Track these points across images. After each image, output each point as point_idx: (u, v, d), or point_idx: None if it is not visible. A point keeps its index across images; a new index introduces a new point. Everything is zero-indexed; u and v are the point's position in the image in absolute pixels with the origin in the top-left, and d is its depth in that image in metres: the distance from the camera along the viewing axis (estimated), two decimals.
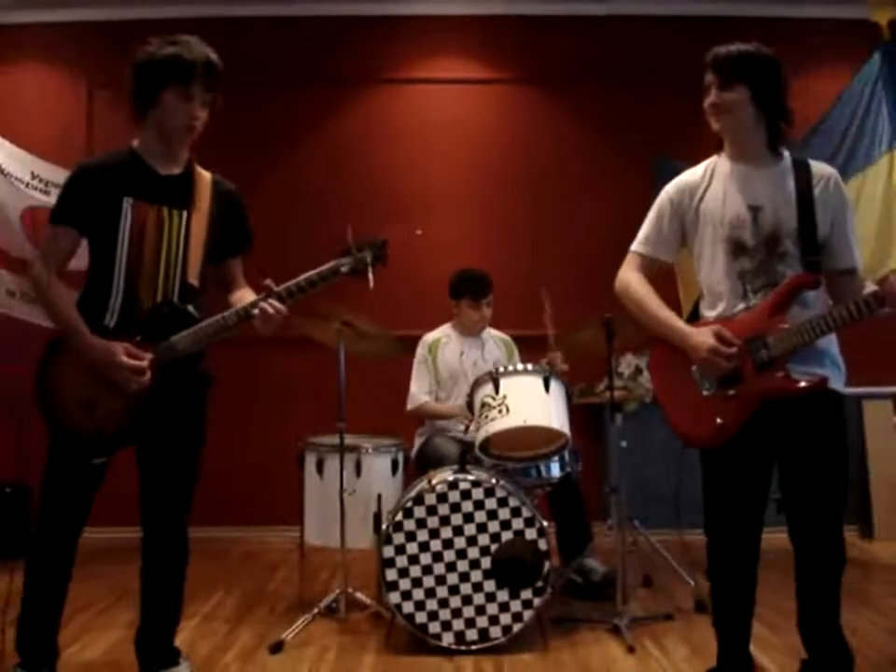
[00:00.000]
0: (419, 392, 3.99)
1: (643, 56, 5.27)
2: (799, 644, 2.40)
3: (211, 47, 2.49)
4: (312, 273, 2.42)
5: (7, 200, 4.41)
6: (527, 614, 3.06)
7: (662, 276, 2.59)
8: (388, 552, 3.08)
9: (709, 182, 2.44)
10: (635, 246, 2.54)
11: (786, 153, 2.44)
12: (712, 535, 2.46)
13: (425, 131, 5.35)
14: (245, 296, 2.57)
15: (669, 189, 2.50)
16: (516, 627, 3.06)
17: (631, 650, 3.01)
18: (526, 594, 3.06)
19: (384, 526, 3.16)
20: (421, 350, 4.07)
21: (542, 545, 3.08)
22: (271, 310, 2.37)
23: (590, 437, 4.96)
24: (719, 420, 2.33)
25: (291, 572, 4.14)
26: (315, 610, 3.35)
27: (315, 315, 3.53)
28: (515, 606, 3.06)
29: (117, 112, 5.00)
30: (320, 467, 3.58)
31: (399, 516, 3.09)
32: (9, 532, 4.29)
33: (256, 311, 2.39)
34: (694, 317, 2.52)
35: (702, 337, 2.33)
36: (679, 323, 2.41)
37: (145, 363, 2.37)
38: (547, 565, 3.07)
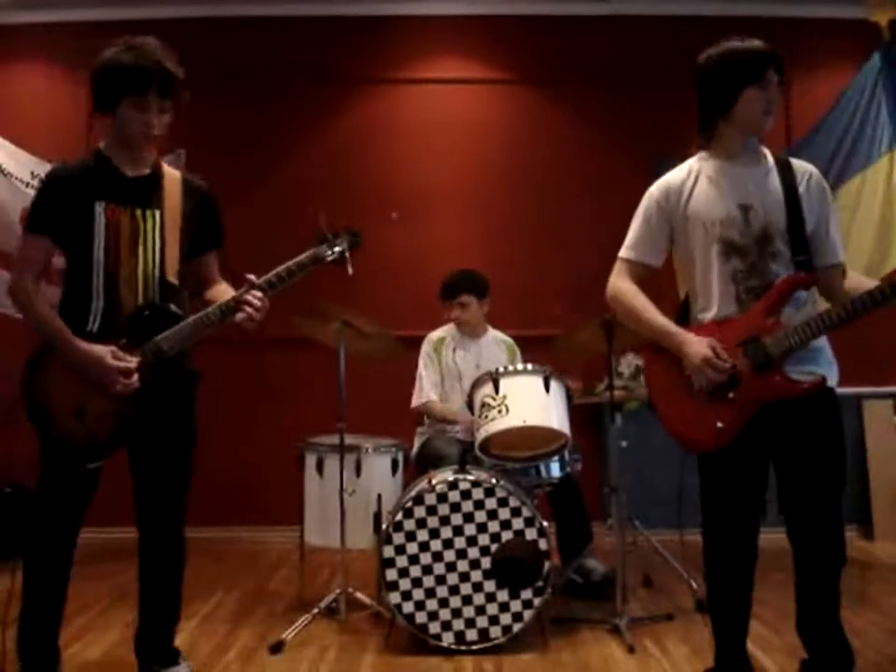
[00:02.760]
0: (428, 388, 3.98)
1: (644, 56, 5.27)
2: (799, 644, 2.40)
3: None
4: (291, 262, 2.44)
5: (7, 200, 4.42)
6: (527, 614, 3.06)
7: (659, 280, 2.58)
8: (388, 552, 3.08)
9: (695, 181, 2.41)
10: (623, 253, 2.51)
11: (767, 151, 2.44)
12: (710, 538, 2.44)
13: (425, 131, 5.35)
14: (224, 290, 2.58)
15: (653, 191, 2.47)
16: (516, 627, 3.06)
17: (631, 650, 3.01)
18: (526, 594, 3.06)
19: (384, 526, 3.16)
20: (426, 347, 4.07)
21: (542, 545, 3.08)
22: (256, 302, 2.39)
23: (590, 437, 4.97)
24: (719, 424, 2.32)
25: (291, 572, 4.14)
26: (315, 610, 3.35)
27: (315, 315, 3.54)
28: (515, 606, 3.06)
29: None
30: (320, 467, 3.58)
31: (399, 516, 3.09)
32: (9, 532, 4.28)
33: (245, 307, 2.39)
34: (683, 320, 2.49)
35: (697, 347, 2.30)
36: (676, 329, 2.38)
37: (133, 365, 2.36)
38: (547, 565, 3.07)
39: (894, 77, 4.51)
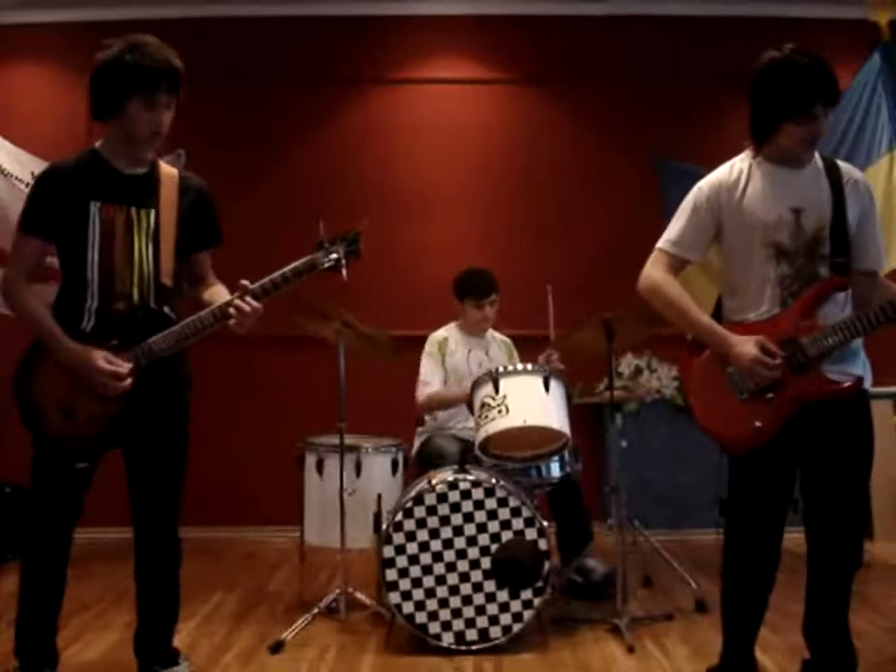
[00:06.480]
0: (431, 381, 3.92)
1: (643, 56, 5.27)
2: (800, 644, 2.40)
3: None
4: (286, 269, 2.41)
5: (7, 200, 4.41)
6: (527, 614, 3.06)
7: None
8: (388, 552, 3.08)
9: (747, 181, 2.36)
10: (663, 245, 2.44)
11: (815, 153, 2.40)
12: (734, 537, 2.42)
13: (425, 131, 5.35)
14: (218, 291, 2.57)
15: (704, 187, 2.41)
16: (516, 627, 3.06)
17: (631, 650, 3.01)
18: (526, 594, 3.06)
19: (384, 526, 3.16)
20: (429, 347, 4.02)
21: (542, 545, 3.08)
22: (246, 308, 2.37)
23: (590, 437, 4.97)
24: (757, 423, 2.30)
25: (291, 572, 4.14)
26: (315, 610, 3.35)
27: (315, 314, 3.54)
28: (515, 606, 3.06)
29: None
30: (320, 467, 3.58)
31: (399, 516, 3.09)
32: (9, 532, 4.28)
33: (231, 310, 2.38)
34: (716, 315, 2.46)
35: (746, 347, 2.28)
36: (721, 329, 2.36)
37: (124, 369, 2.35)
38: (547, 565, 3.07)
39: (894, 77, 4.51)
